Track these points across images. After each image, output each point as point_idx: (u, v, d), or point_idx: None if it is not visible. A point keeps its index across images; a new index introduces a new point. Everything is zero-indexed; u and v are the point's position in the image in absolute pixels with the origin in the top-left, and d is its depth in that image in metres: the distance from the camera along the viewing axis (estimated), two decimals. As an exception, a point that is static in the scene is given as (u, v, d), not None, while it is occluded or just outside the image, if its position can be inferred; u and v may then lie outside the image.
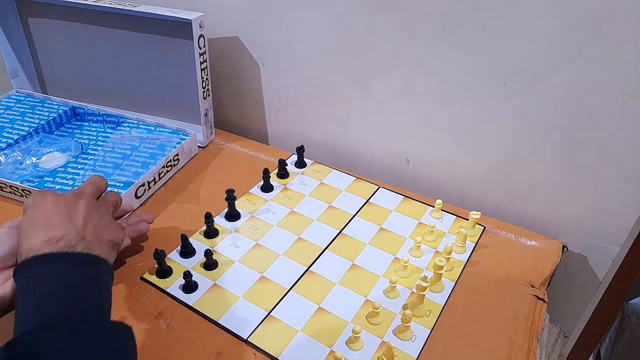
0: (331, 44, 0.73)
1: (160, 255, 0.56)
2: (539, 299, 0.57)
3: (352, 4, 0.67)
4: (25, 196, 0.66)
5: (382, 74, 0.71)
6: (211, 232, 0.63)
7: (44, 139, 0.77)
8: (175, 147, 0.75)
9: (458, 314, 0.55)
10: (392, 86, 0.71)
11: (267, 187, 0.72)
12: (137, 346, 0.50)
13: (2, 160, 0.72)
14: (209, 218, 0.62)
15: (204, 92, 0.77)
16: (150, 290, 0.56)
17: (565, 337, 0.73)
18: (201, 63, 0.73)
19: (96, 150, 0.77)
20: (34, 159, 0.73)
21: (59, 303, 0.38)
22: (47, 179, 0.70)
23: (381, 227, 0.66)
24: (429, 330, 0.53)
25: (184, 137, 0.78)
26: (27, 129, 0.79)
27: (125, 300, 0.55)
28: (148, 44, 0.78)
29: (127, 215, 0.66)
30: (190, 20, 0.69)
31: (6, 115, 0.82)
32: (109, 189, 0.68)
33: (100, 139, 0.80)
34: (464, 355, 0.51)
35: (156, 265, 0.57)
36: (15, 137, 0.77)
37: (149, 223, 0.61)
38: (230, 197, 0.64)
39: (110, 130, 0.82)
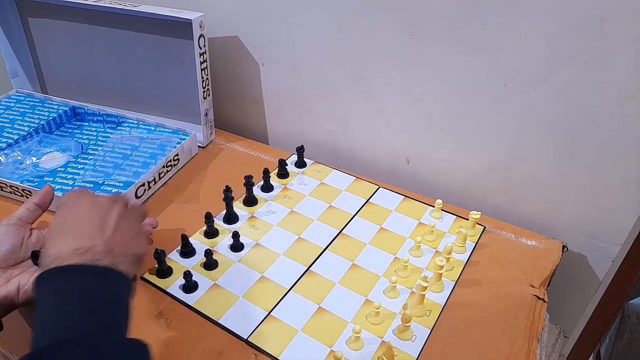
0: (331, 44, 0.73)
1: (160, 255, 0.56)
2: (539, 299, 0.57)
3: (352, 4, 0.67)
4: (26, 196, 0.66)
5: (382, 74, 0.71)
6: (211, 232, 0.63)
7: (44, 139, 0.77)
8: (175, 147, 0.75)
9: (458, 314, 0.55)
10: (392, 86, 0.71)
11: (267, 187, 0.72)
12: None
13: (2, 160, 0.72)
14: (209, 218, 0.62)
15: (204, 92, 0.77)
16: (150, 290, 0.56)
17: (565, 337, 0.73)
18: (201, 63, 0.73)
19: (96, 150, 0.77)
20: (34, 159, 0.73)
21: (78, 318, 0.38)
22: (47, 178, 0.70)
23: (381, 227, 0.66)
24: (429, 330, 0.53)
25: (184, 137, 0.78)
26: (27, 129, 0.79)
27: (125, 300, 0.55)
28: (148, 44, 0.78)
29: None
30: (190, 20, 0.69)
31: (6, 115, 0.82)
32: (109, 189, 0.68)
33: (100, 139, 0.80)
34: (464, 355, 0.51)
35: (156, 265, 0.57)
36: (15, 137, 0.77)
37: (153, 227, 0.60)
38: (228, 198, 0.64)
39: (110, 130, 0.82)
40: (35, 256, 0.54)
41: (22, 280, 0.50)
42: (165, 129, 0.80)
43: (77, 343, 0.35)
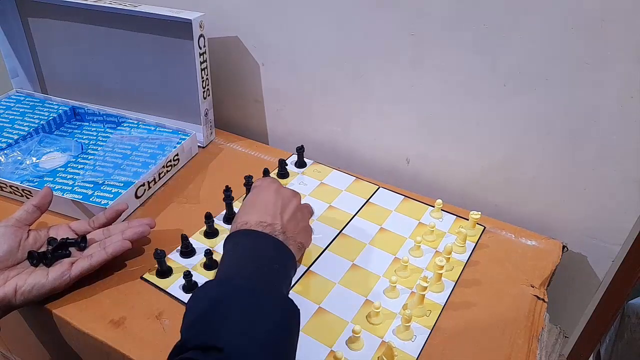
0: (331, 44, 0.73)
1: (160, 255, 0.56)
2: (539, 299, 0.57)
3: (352, 4, 0.67)
4: (26, 196, 0.66)
5: (382, 74, 0.71)
6: (211, 232, 0.63)
7: (44, 139, 0.77)
8: (175, 147, 0.75)
9: (458, 314, 0.55)
10: (392, 86, 0.71)
11: (267, 187, 0.72)
12: (141, 345, 0.50)
13: (2, 160, 0.72)
14: (209, 218, 0.62)
15: (204, 92, 0.77)
16: (150, 290, 0.56)
17: (565, 337, 0.73)
18: (201, 63, 0.73)
19: (96, 150, 0.77)
20: (34, 159, 0.73)
21: (252, 269, 0.46)
22: (47, 178, 0.70)
23: (381, 227, 0.66)
24: (429, 330, 0.53)
25: (184, 137, 0.78)
26: (27, 129, 0.79)
27: (125, 300, 0.55)
28: (148, 44, 0.78)
29: (126, 217, 0.66)
30: (190, 20, 0.69)
31: (6, 115, 0.82)
32: (109, 189, 0.68)
33: (100, 139, 0.80)
34: (464, 355, 0.51)
35: (156, 265, 0.57)
36: (15, 137, 0.77)
37: (150, 227, 0.60)
38: (228, 198, 0.64)
39: (110, 130, 0.82)
40: (31, 257, 0.54)
41: (20, 281, 0.50)
42: (165, 129, 0.80)
43: (243, 284, 0.43)
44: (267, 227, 0.50)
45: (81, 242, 0.57)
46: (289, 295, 0.47)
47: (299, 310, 0.43)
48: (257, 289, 0.43)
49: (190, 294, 0.44)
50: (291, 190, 0.57)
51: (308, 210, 0.59)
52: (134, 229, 0.58)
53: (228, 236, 0.51)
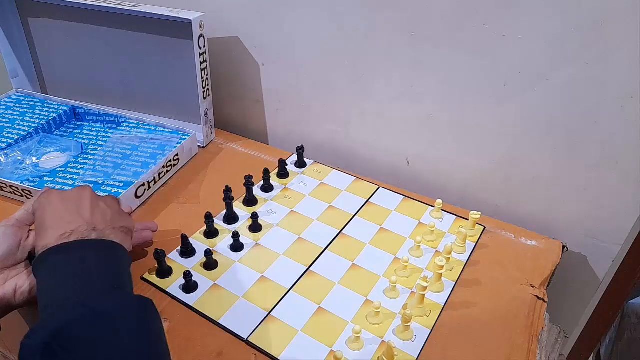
0: (331, 44, 0.73)
1: (160, 255, 0.56)
2: (539, 299, 0.57)
3: (352, 4, 0.67)
4: (26, 197, 0.66)
5: (382, 74, 0.71)
6: (211, 232, 0.63)
7: (44, 139, 0.77)
8: (175, 147, 0.75)
9: (458, 314, 0.55)
10: (392, 86, 0.71)
11: (267, 187, 0.72)
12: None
13: (2, 160, 0.72)
14: (209, 218, 0.62)
15: (204, 92, 0.77)
16: (150, 290, 0.56)
17: (565, 337, 0.73)
18: (201, 63, 0.73)
19: (96, 150, 0.77)
20: (34, 159, 0.73)
21: (77, 287, 0.40)
22: (47, 179, 0.70)
23: (381, 227, 0.66)
24: (429, 330, 0.53)
25: (184, 137, 0.78)
26: (27, 129, 0.79)
27: (125, 300, 0.55)
28: (148, 44, 0.78)
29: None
30: (190, 20, 0.69)
31: (6, 115, 0.82)
32: (109, 189, 0.68)
33: (100, 139, 0.80)
34: (464, 355, 0.51)
35: (156, 265, 0.57)
36: (15, 137, 0.77)
37: (153, 231, 0.60)
38: (228, 198, 0.64)
39: (110, 130, 0.82)
40: (32, 257, 0.54)
41: (19, 281, 0.50)
42: (165, 129, 0.80)
43: (77, 308, 0.37)
44: (71, 236, 0.44)
45: None
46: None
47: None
48: (91, 309, 0.38)
49: (21, 348, 0.37)
50: (75, 188, 0.51)
51: (110, 197, 0.53)
52: (137, 234, 0.58)
53: (34, 269, 0.44)
